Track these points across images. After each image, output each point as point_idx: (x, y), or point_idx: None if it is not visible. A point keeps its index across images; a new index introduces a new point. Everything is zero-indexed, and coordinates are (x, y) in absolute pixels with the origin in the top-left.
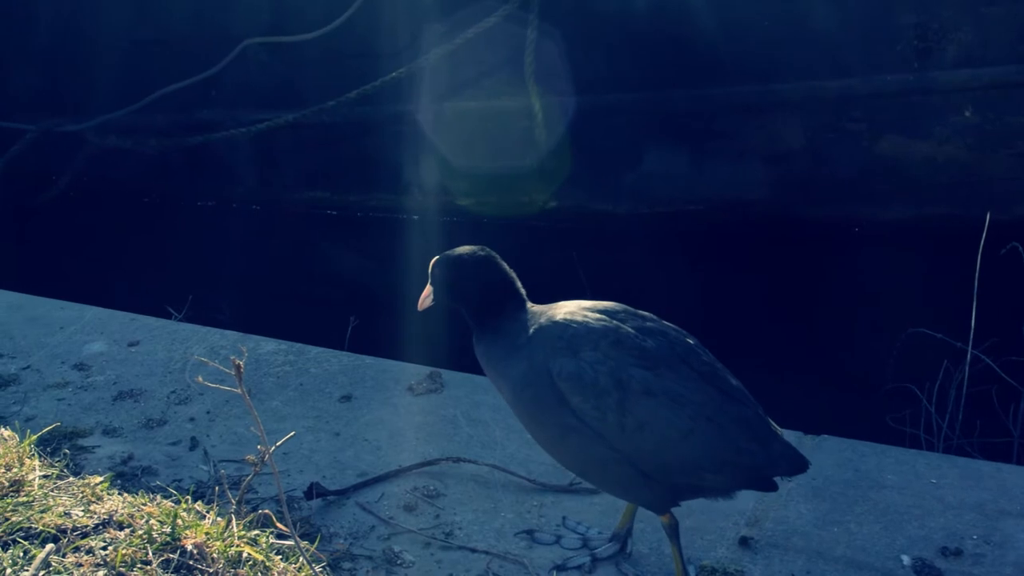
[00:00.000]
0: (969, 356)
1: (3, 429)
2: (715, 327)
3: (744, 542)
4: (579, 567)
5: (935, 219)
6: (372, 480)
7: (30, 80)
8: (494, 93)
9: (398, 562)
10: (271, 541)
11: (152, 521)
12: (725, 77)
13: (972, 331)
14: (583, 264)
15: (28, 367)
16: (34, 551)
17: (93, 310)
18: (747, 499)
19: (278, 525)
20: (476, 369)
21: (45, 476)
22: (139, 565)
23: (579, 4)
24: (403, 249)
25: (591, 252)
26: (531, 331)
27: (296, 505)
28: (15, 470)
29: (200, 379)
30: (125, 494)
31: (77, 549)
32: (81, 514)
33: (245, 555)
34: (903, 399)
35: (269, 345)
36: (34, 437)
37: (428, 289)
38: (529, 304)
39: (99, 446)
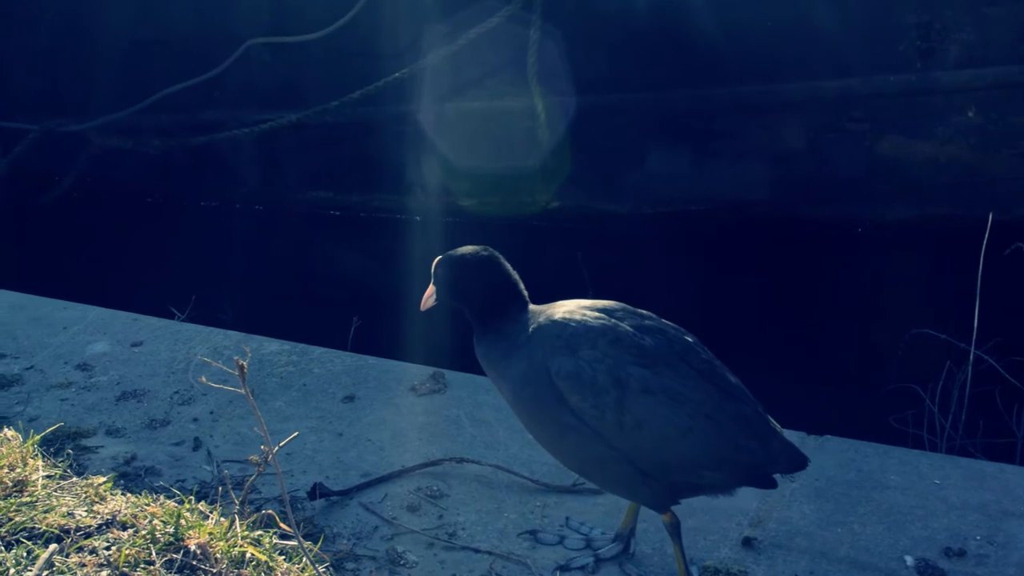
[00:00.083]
0: (972, 356)
1: (6, 429)
2: (718, 327)
3: (747, 542)
4: (582, 567)
5: (938, 219)
6: (375, 480)
7: (33, 80)
8: (497, 93)
9: (401, 562)
10: (275, 541)
11: (155, 521)
12: (727, 77)
13: (975, 331)
14: (586, 264)
15: (31, 367)
16: (37, 551)
17: (96, 310)
18: (750, 499)
19: (281, 525)
20: (479, 369)
21: (48, 476)
22: (142, 565)
23: (581, 4)
24: (406, 249)
25: (594, 252)
26: (531, 331)
27: (299, 505)
28: (18, 470)
29: (203, 379)
30: (128, 494)
31: (80, 549)
32: (84, 514)
33: (249, 555)
34: (906, 399)
35: (272, 345)
36: (37, 437)
37: (431, 289)
38: (530, 305)
39: (102, 446)
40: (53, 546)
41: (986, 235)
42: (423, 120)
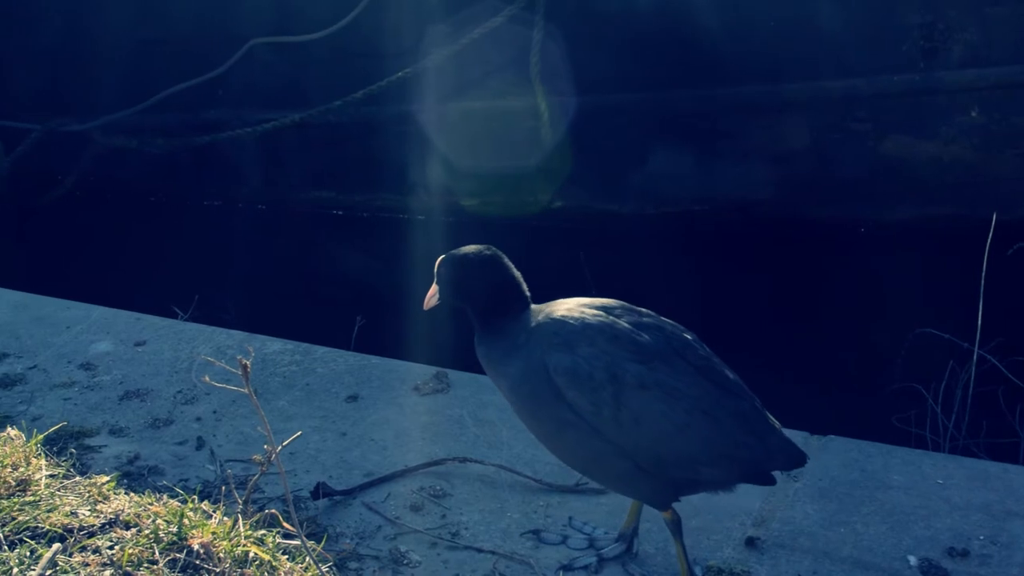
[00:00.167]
0: (975, 356)
1: (10, 428)
2: (721, 327)
3: (750, 542)
4: (585, 567)
5: (941, 219)
6: (378, 480)
7: (36, 79)
8: (500, 93)
9: (404, 562)
10: (278, 541)
11: (159, 521)
12: (730, 77)
13: (978, 331)
14: (588, 264)
15: (34, 367)
16: (41, 550)
17: (99, 309)
18: (753, 499)
19: (285, 525)
20: (482, 369)
21: (51, 475)
22: (146, 564)
23: (584, 4)
24: (408, 249)
25: (596, 252)
26: (530, 330)
27: (303, 505)
28: (21, 469)
29: (207, 379)
30: (131, 494)
31: (84, 548)
32: (87, 513)
33: (252, 555)
34: (909, 399)
35: (275, 345)
36: (40, 437)
37: (434, 288)
38: (532, 305)
39: (105, 446)
40: (56, 545)
41: (989, 235)
42: (426, 120)
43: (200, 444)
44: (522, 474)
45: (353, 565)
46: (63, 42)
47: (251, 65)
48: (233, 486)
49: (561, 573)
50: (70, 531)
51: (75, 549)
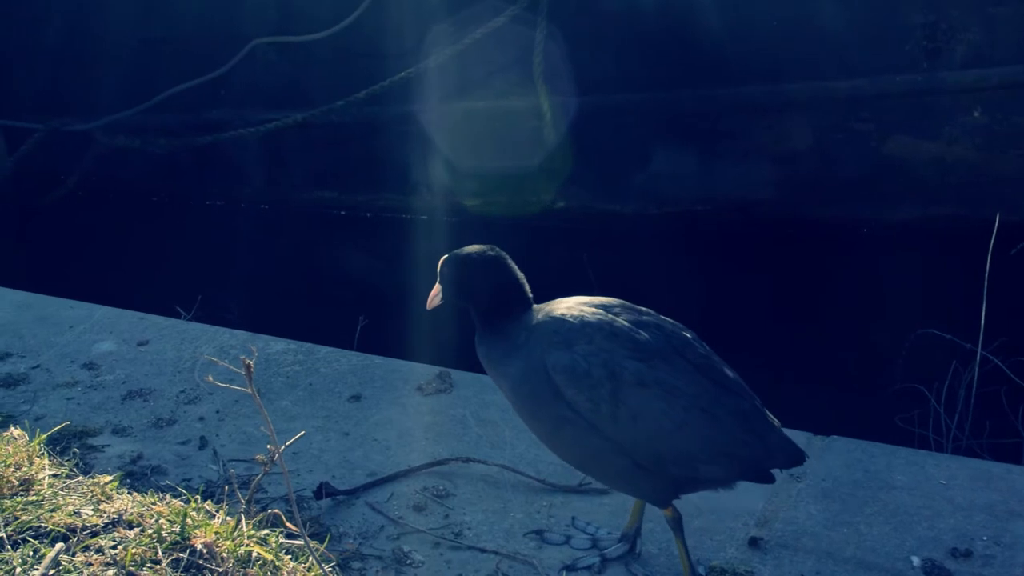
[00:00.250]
0: (978, 357)
1: (13, 428)
2: (724, 327)
3: (754, 543)
4: (589, 567)
5: (944, 220)
6: (381, 480)
7: (39, 79)
8: (502, 93)
9: (407, 562)
10: (281, 541)
11: (162, 520)
12: (733, 77)
13: (981, 332)
14: (591, 264)
15: (37, 366)
16: (44, 550)
17: (102, 309)
18: (756, 499)
19: (288, 525)
20: (485, 369)
21: (55, 475)
22: (149, 564)
23: (587, 5)
24: (411, 249)
25: (599, 252)
26: (530, 329)
27: (306, 505)
28: (25, 469)
29: (210, 378)
30: (135, 493)
31: (87, 548)
32: (91, 513)
33: (255, 555)
34: (912, 400)
35: (278, 345)
36: (44, 436)
37: (437, 288)
38: (534, 305)
39: (108, 445)
40: (59, 545)
41: (993, 235)
42: (428, 120)
43: (203, 444)
44: (525, 474)
45: (356, 565)
46: (66, 42)
47: (253, 65)
48: (236, 486)
49: (564, 573)
50: (73, 531)
51: (78, 549)
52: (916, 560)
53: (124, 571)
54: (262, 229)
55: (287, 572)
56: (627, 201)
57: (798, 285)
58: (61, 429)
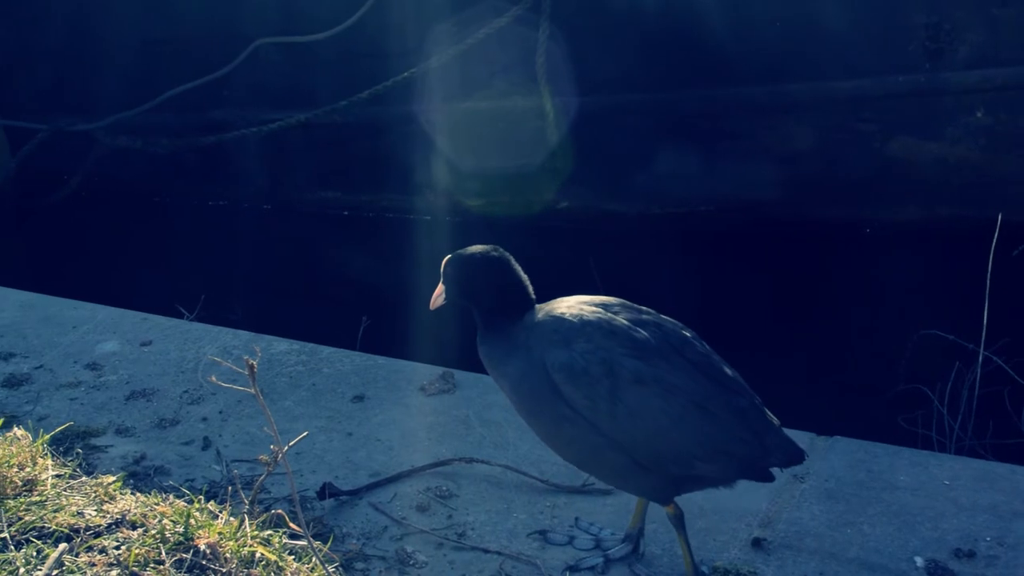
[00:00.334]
0: (981, 357)
1: (16, 428)
2: (727, 327)
3: (757, 543)
4: (592, 568)
5: (946, 220)
6: (385, 480)
7: (42, 79)
8: (505, 93)
9: (411, 562)
10: (284, 541)
11: (165, 521)
12: (736, 77)
13: (984, 332)
14: (596, 266)
15: (41, 366)
16: (47, 550)
17: (105, 309)
18: (760, 500)
19: (291, 525)
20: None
21: (58, 475)
22: (152, 564)
23: (590, 5)
24: (414, 249)
25: (602, 252)
26: (530, 329)
27: (309, 505)
28: (28, 469)
29: (213, 379)
30: (138, 494)
31: (90, 548)
32: (94, 513)
33: (258, 555)
34: (915, 400)
35: (281, 345)
36: (47, 436)
37: (440, 288)
38: (536, 305)
39: (112, 446)
40: (63, 545)
41: (995, 236)
42: (431, 120)
43: (206, 444)
44: (528, 474)
45: (359, 565)
46: (69, 42)
47: (257, 65)
48: (239, 486)
49: (567, 574)
50: (76, 531)
51: (81, 549)
52: (920, 561)
53: (127, 571)
54: (265, 229)
55: (290, 572)
56: (630, 201)
57: (801, 285)
58: (64, 429)
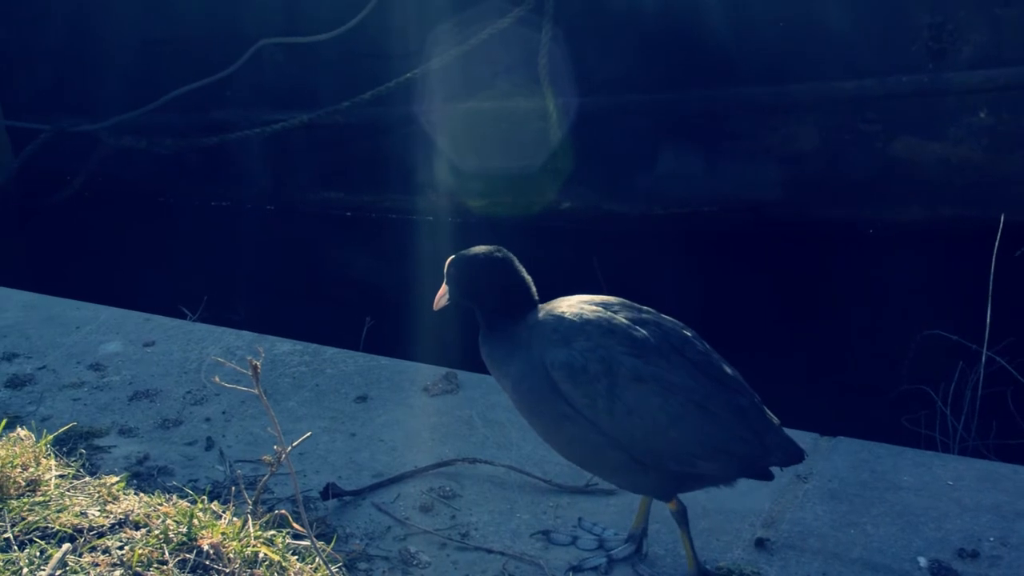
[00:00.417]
0: (984, 358)
1: (20, 429)
2: (730, 328)
3: (760, 543)
4: (595, 568)
5: (949, 220)
6: (388, 481)
7: (45, 80)
8: (507, 94)
9: (414, 563)
10: (287, 541)
11: (168, 521)
12: (739, 78)
13: (987, 332)
14: (599, 266)
15: (44, 367)
16: (51, 550)
17: (108, 310)
18: (763, 500)
19: (294, 525)
20: None
21: (61, 476)
22: (155, 565)
23: (593, 6)
24: (417, 250)
25: (604, 253)
26: (531, 328)
27: (312, 505)
28: (31, 470)
29: (217, 379)
30: (141, 494)
31: (94, 549)
32: (97, 514)
33: (261, 555)
34: (918, 401)
35: (285, 346)
36: (50, 437)
37: (444, 288)
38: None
39: (115, 446)
40: (66, 545)
41: (998, 236)
42: (434, 121)
43: (209, 445)
44: (532, 475)
45: (363, 566)
46: (72, 43)
47: (260, 66)
48: (243, 486)
49: (571, 574)
50: (80, 531)
51: (85, 549)
52: (923, 561)
53: (131, 572)
54: (267, 230)
55: (294, 573)
56: (633, 202)
57: (804, 285)
58: (68, 430)
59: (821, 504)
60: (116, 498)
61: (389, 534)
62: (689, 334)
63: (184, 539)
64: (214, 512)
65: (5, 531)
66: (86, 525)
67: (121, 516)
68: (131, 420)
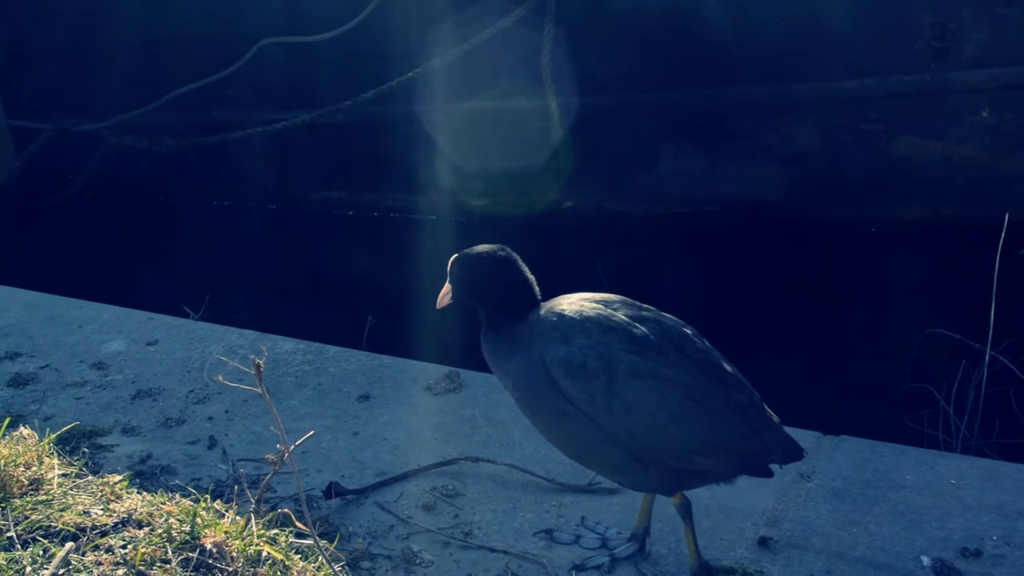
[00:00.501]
0: (987, 357)
1: (22, 428)
2: (732, 327)
3: (763, 542)
4: (598, 567)
5: (952, 220)
6: (391, 479)
7: (47, 79)
8: (509, 94)
9: (417, 561)
10: (290, 540)
11: (171, 520)
12: (740, 77)
13: (990, 332)
14: (602, 267)
15: (47, 366)
16: (54, 549)
17: (111, 309)
18: (766, 499)
19: (297, 524)
20: None
21: (64, 475)
22: (158, 564)
23: (594, 6)
24: (419, 249)
25: (606, 252)
26: (532, 326)
27: (315, 504)
28: (34, 469)
29: (219, 378)
30: (144, 493)
31: (96, 548)
32: (100, 513)
33: (264, 554)
34: (921, 400)
35: (287, 345)
36: (53, 436)
37: (447, 287)
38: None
39: (118, 445)
40: (69, 544)
41: (1002, 235)
42: (436, 120)
43: (212, 443)
44: (534, 474)
45: (366, 564)
46: (74, 42)
47: (261, 65)
48: (246, 485)
49: (574, 573)
50: (83, 530)
51: (88, 548)
52: (926, 560)
53: (134, 570)
54: (270, 229)
55: (297, 571)
56: (634, 201)
57: (806, 285)
58: (70, 429)
59: (824, 503)
60: (119, 497)
61: (392, 533)
62: (689, 332)
63: (187, 538)
64: (217, 511)
65: (8, 530)
66: (89, 524)
67: (124, 515)
68: (134, 419)
